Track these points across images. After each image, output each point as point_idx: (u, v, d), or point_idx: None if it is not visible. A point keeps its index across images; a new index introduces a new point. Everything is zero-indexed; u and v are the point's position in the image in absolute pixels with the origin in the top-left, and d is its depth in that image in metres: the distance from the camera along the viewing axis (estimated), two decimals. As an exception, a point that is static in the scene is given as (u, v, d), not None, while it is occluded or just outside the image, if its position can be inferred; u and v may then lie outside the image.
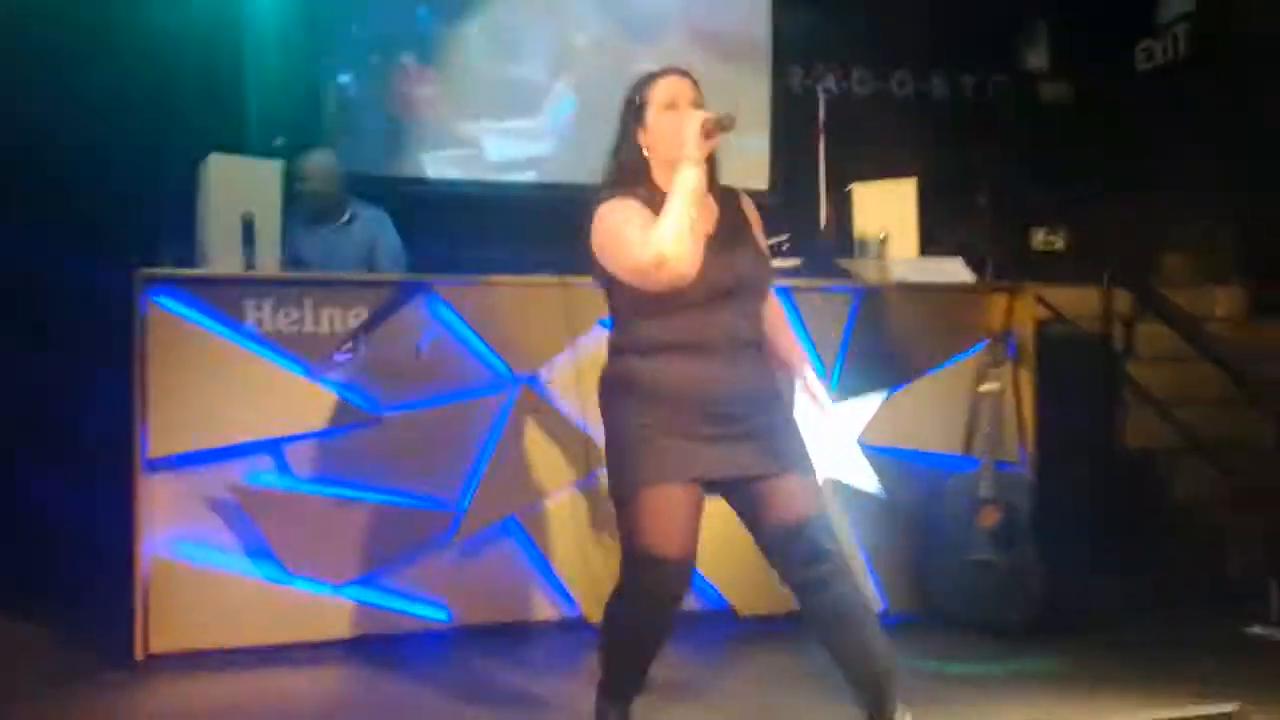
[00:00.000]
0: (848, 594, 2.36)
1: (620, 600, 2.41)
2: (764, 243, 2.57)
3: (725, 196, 2.51)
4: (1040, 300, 4.50)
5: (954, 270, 4.11)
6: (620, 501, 2.36)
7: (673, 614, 2.38)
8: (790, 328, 2.70)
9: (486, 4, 5.71)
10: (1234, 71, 5.44)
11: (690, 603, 3.35)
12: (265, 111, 5.24)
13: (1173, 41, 5.85)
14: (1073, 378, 4.46)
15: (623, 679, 2.51)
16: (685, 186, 2.30)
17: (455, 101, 5.71)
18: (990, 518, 3.67)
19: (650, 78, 2.48)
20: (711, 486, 2.38)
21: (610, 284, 2.43)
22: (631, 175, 2.43)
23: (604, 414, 2.46)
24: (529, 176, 5.78)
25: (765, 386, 2.46)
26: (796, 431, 2.49)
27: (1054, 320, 4.84)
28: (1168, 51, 5.88)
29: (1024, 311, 3.99)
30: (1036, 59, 6.28)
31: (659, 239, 2.26)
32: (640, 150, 2.44)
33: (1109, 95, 6.17)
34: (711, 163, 2.42)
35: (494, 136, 5.75)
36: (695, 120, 2.34)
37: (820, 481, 2.50)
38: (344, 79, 5.60)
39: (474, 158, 5.73)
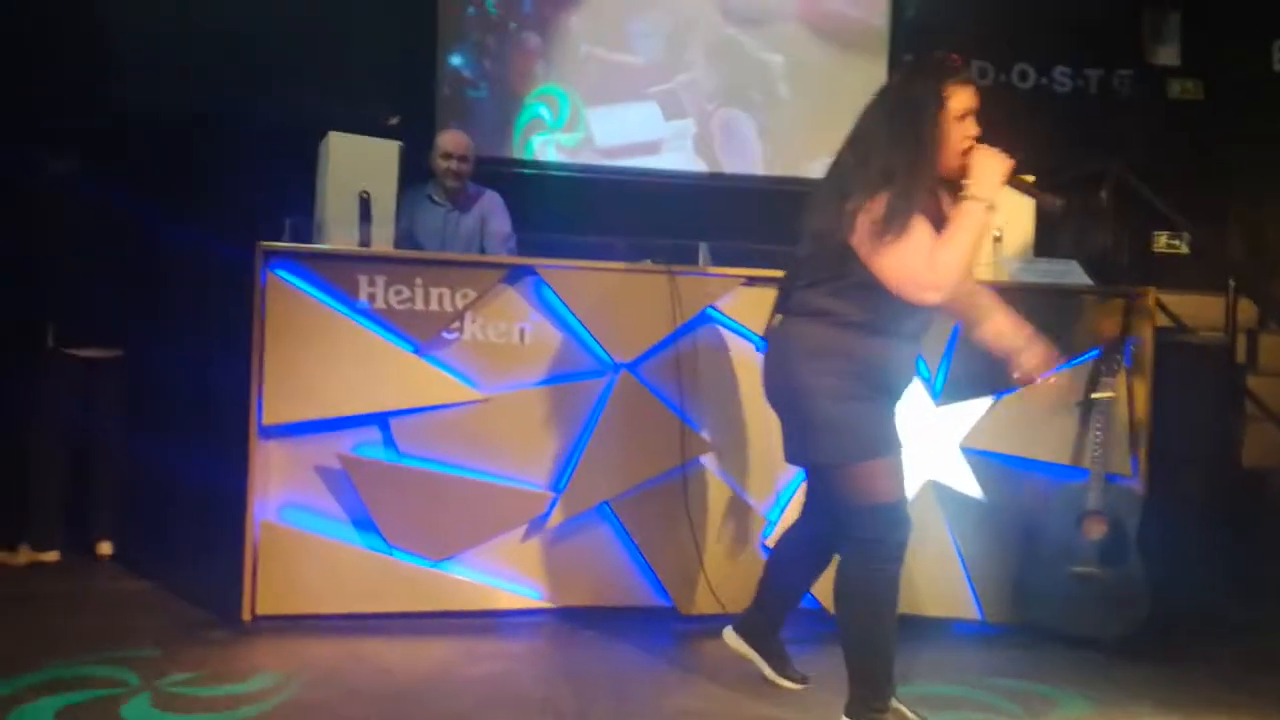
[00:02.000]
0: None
1: (861, 565, 2.55)
2: None
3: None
4: (1160, 306, 4.34)
5: (1070, 272, 3.98)
6: (849, 464, 2.52)
7: (902, 559, 2.58)
8: (1000, 307, 2.85)
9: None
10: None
11: (635, 599, 3.51)
12: (380, 90, 5.35)
13: (1314, 40, 5.56)
14: (1190, 388, 4.30)
15: (888, 654, 2.60)
16: (976, 230, 2.43)
17: (566, 85, 5.74)
18: (1096, 530, 3.56)
19: (952, 75, 2.48)
20: None
21: (847, 257, 2.48)
22: (917, 178, 2.42)
23: (799, 378, 2.55)
24: (638, 163, 5.79)
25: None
26: None
27: (1173, 328, 4.68)
28: (1307, 51, 5.59)
29: (1142, 318, 3.84)
30: (1167, 54, 6.03)
31: (947, 270, 2.41)
32: (933, 154, 2.45)
33: (1241, 94, 5.90)
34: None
35: (604, 121, 5.77)
36: (1003, 167, 2.45)
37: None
38: (457, 60, 5.68)
39: (584, 142, 5.76)
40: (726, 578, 3.55)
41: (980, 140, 2.50)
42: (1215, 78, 6.01)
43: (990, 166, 2.44)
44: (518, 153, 5.70)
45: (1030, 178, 2.50)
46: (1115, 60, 6.04)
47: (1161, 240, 5.75)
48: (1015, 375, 2.74)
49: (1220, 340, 4.56)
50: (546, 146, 5.74)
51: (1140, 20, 6.05)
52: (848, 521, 2.57)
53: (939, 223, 2.46)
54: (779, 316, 2.67)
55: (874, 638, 2.60)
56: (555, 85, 5.74)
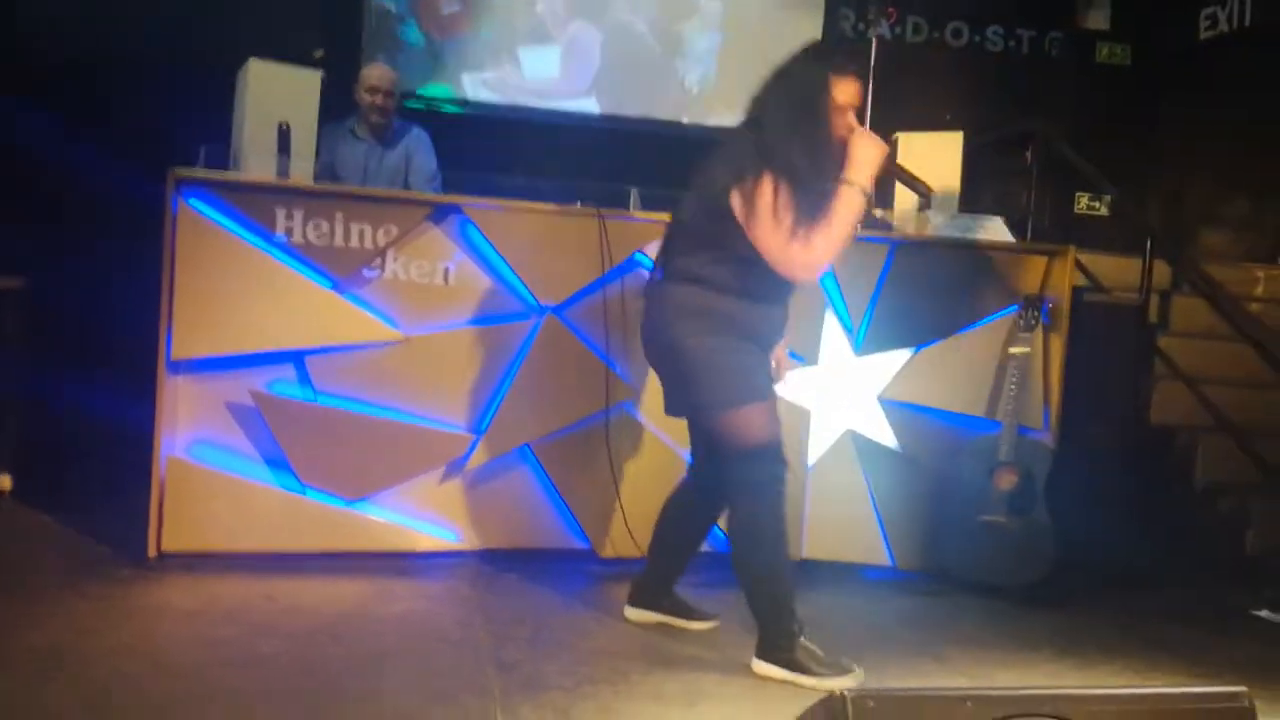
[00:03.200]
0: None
1: (748, 505, 2.68)
2: None
3: None
4: (1078, 265, 4.42)
5: (994, 229, 4.02)
6: (724, 410, 2.67)
7: (785, 489, 2.72)
8: None
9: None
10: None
11: (554, 541, 3.57)
12: (305, 21, 5.19)
13: (1239, 10, 5.67)
14: (1104, 347, 4.40)
15: (786, 586, 2.71)
16: (852, 214, 2.59)
17: (495, 22, 5.61)
18: (1007, 481, 3.65)
19: (841, 68, 2.64)
20: None
21: (728, 224, 2.62)
22: (804, 155, 2.56)
23: (686, 338, 2.68)
24: (569, 105, 5.71)
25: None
26: None
27: (1090, 287, 4.77)
28: (1233, 21, 5.70)
29: (1061, 276, 3.91)
30: (1097, 18, 6.10)
31: (818, 251, 2.57)
32: (823, 133, 2.60)
33: (1168, 62, 6.01)
34: None
35: (535, 61, 5.67)
36: (879, 154, 2.61)
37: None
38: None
39: (513, 81, 5.65)
40: (645, 521, 3.52)
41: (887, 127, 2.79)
42: (1143, 44, 6.11)
43: (867, 153, 2.60)
44: (445, 90, 5.58)
45: (902, 164, 2.71)
46: (1047, 22, 6.10)
47: (1083, 201, 5.86)
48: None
49: (1135, 300, 4.66)
50: (475, 85, 5.62)
51: (1074, -18, 6.12)
52: (732, 464, 2.70)
53: (820, 205, 2.59)
54: (658, 278, 2.80)
55: (770, 573, 2.71)
56: (481, 22, 5.62)
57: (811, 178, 2.57)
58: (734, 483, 2.72)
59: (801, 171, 2.56)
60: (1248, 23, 5.59)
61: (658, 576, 3.06)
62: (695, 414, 2.82)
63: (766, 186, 2.56)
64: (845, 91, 2.63)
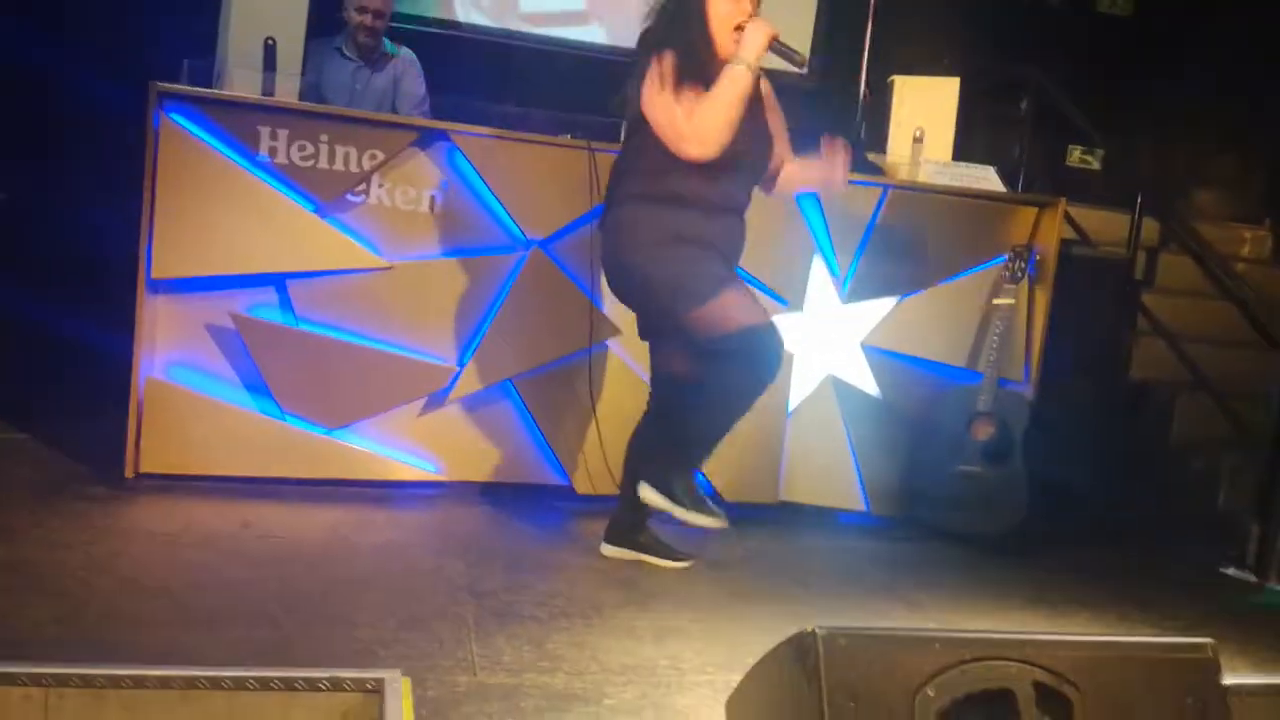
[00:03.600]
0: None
1: (738, 370, 2.70)
2: (776, 124, 2.92)
3: None
4: (1068, 219, 4.40)
5: (986, 178, 4.00)
6: (688, 312, 2.70)
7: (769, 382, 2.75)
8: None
9: None
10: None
11: (533, 476, 3.58)
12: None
13: (1248, -35, 5.58)
14: (1088, 301, 4.41)
15: (703, 453, 2.84)
16: (737, 87, 2.66)
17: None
18: (984, 431, 3.67)
19: None
20: None
21: (644, 132, 2.72)
22: (683, 40, 2.71)
23: (635, 256, 2.76)
24: (563, 33, 5.59)
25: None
26: None
27: (1079, 241, 4.76)
28: (1238, -25, 5.62)
29: (1050, 228, 3.89)
30: (1101, -34, 6.01)
31: (702, 123, 2.64)
32: (706, 29, 2.72)
33: (1170, 15, 5.93)
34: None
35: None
36: (765, 32, 2.69)
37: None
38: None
39: (507, 6, 5.52)
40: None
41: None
42: (1146, -5, 6.03)
43: (754, 33, 2.69)
44: (437, 12, 5.45)
45: (783, 41, 2.74)
46: (1051, -33, 6.01)
47: (1075, 154, 5.82)
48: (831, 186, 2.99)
49: (1122, 256, 4.66)
50: (467, 7, 5.50)
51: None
52: (723, 351, 2.72)
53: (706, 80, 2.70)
54: (603, 209, 2.89)
55: (709, 430, 2.78)
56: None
57: (689, 55, 2.69)
58: (729, 356, 2.71)
59: (677, 44, 2.69)
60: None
61: (630, 511, 3.07)
62: (665, 324, 2.84)
63: (651, 68, 2.68)
64: None
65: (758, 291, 3.14)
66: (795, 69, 2.97)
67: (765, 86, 2.89)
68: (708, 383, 2.78)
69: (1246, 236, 5.43)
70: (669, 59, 2.69)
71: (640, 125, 2.75)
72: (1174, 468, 4.41)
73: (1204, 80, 5.66)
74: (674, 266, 2.73)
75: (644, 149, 2.75)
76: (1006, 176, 4.16)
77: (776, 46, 2.73)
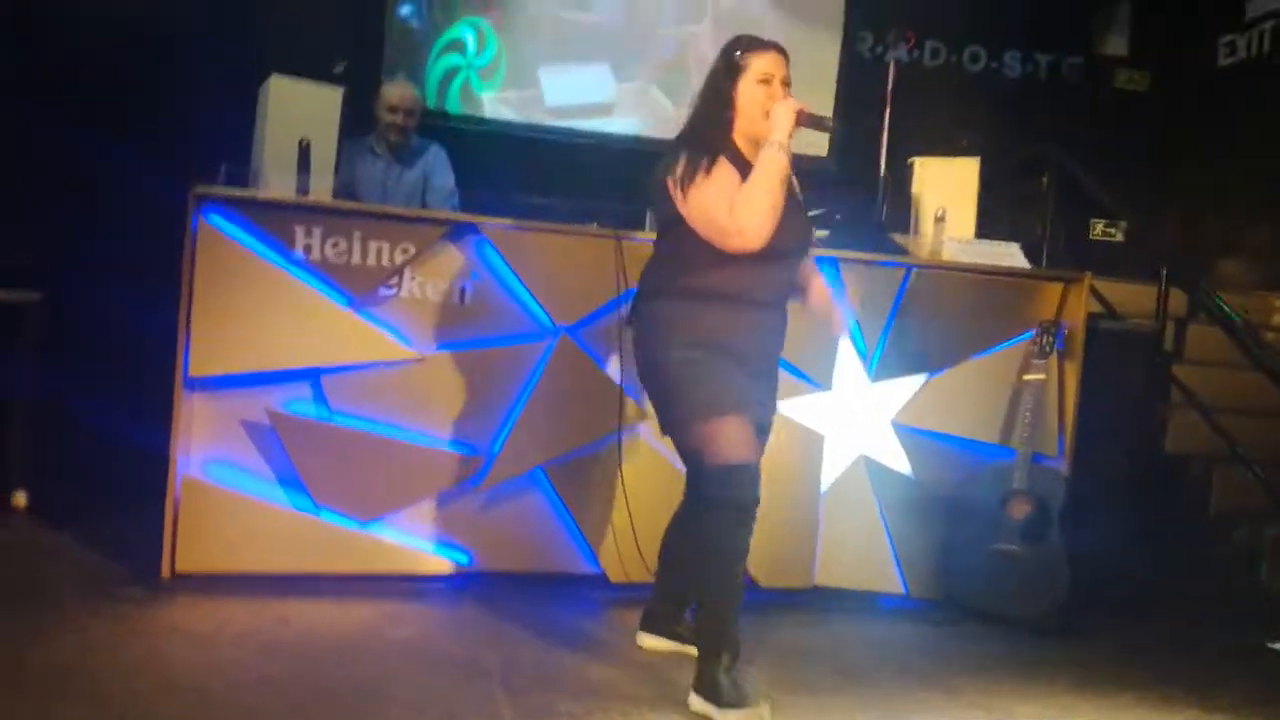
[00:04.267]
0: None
1: (710, 523, 2.61)
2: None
3: None
4: (1094, 292, 4.40)
5: (1009, 255, 4.02)
6: (694, 423, 2.62)
7: (753, 520, 2.62)
8: (819, 273, 2.99)
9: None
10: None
11: (566, 566, 3.55)
12: (326, 37, 5.21)
13: (1258, 39, 5.65)
14: (1119, 375, 4.38)
15: (728, 620, 2.63)
16: (775, 169, 2.59)
17: (517, 42, 5.64)
18: (1021, 510, 3.63)
19: (751, 46, 2.72)
20: None
21: (678, 227, 2.67)
22: (717, 134, 2.69)
23: (658, 353, 2.68)
24: (587, 125, 5.72)
25: (783, 341, 2.82)
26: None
27: (1106, 314, 4.75)
28: (1252, 48, 5.69)
29: (1076, 303, 3.90)
30: (1116, 43, 6.10)
31: (746, 213, 2.56)
32: (730, 114, 2.69)
33: (1186, 88, 5.99)
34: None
35: (555, 79, 5.69)
36: (792, 109, 2.64)
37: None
38: (406, 10, 5.55)
39: (533, 101, 5.67)
40: (657, 546, 3.54)
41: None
42: (1161, 70, 6.10)
43: (782, 111, 2.64)
44: (466, 109, 5.59)
45: (814, 112, 2.73)
46: (1065, 47, 6.10)
47: (1098, 227, 5.84)
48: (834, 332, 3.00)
49: (1150, 328, 4.64)
50: (495, 103, 5.64)
51: (1091, 9, 6.11)
52: (698, 479, 2.68)
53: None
54: (634, 300, 2.82)
55: (718, 597, 2.64)
56: (507, 40, 5.63)
57: (716, 146, 2.66)
58: (700, 499, 2.67)
59: (707, 140, 2.66)
60: (1266, 51, 5.58)
61: (666, 601, 3.04)
62: (667, 428, 2.76)
63: (685, 164, 2.63)
64: (759, 63, 2.69)
65: (789, 375, 3.13)
66: (826, 134, 3.02)
67: (792, 180, 2.81)
68: (696, 530, 2.70)
69: (1277, 305, 5.40)
70: (701, 161, 2.63)
71: (676, 220, 2.68)
72: (1214, 541, 4.33)
73: (1223, 150, 5.69)
74: (688, 370, 2.63)
75: (681, 241, 2.67)
76: (1030, 252, 4.17)
77: (806, 119, 2.69)
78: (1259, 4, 5.66)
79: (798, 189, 2.82)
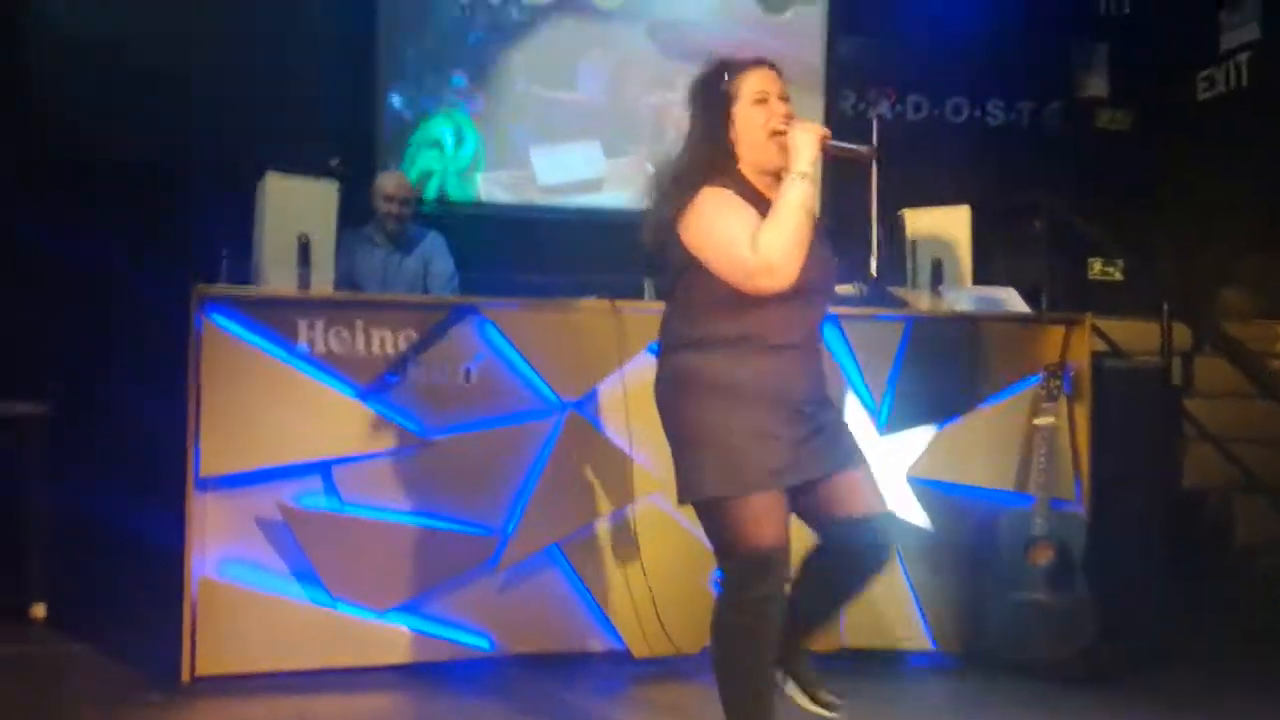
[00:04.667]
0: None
1: (726, 611, 2.35)
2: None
3: None
4: (1097, 332, 4.41)
5: (1008, 300, 4.04)
6: (712, 505, 2.33)
7: (780, 608, 2.35)
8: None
9: (536, 29, 5.74)
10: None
11: (588, 643, 3.44)
12: (320, 130, 5.31)
13: (1235, 71, 5.74)
14: (1130, 412, 4.35)
15: (759, 711, 2.35)
16: (797, 202, 2.31)
17: (506, 124, 5.73)
18: (1043, 556, 3.59)
19: (737, 68, 2.43)
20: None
21: (689, 273, 2.38)
22: (721, 167, 2.40)
23: (677, 413, 2.39)
24: (581, 201, 5.79)
25: (824, 383, 2.51)
26: (847, 424, 2.56)
27: (1111, 353, 4.75)
28: (1230, 81, 5.77)
29: (1080, 344, 3.90)
30: (1096, 85, 6.19)
31: (771, 249, 2.27)
32: (729, 144, 2.41)
33: (1167, 123, 6.07)
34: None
35: (546, 159, 5.77)
36: (815, 136, 2.36)
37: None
38: (398, 100, 5.65)
39: (526, 181, 5.75)
40: (679, 618, 3.51)
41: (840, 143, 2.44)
42: (1142, 109, 6.18)
43: (802, 139, 2.36)
44: (460, 194, 5.67)
45: (843, 143, 2.45)
46: (1046, 93, 6.19)
47: (1096, 267, 5.88)
48: None
49: (1156, 364, 4.64)
50: (490, 186, 5.72)
51: (1069, 53, 6.21)
52: (721, 562, 2.37)
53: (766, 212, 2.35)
54: (655, 358, 2.52)
55: (736, 692, 2.36)
56: (496, 123, 5.73)
57: (725, 175, 2.38)
58: (720, 583, 2.38)
59: (714, 172, 2.38)
60: (1244, 83, 5.66)
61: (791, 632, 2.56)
62: (684, 494, 2.39)
63: (700, 201, 2.35)
64: (751, 81, 2.42)
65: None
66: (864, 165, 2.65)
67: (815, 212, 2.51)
68: (715, 619, 2.38)
69: (1277, 332, 5.40)
70: (711, 197, 2.35)
71: (686, 266, 2.39)
72: (1241, 572, 4.28)
73: (1209, 183, 5.75)
74: (708, 434, 2.33)
75: (692, 287, 2.39)
76: (1029, 295, 4.19)
77: (833, 149, 2.41)
78: (1233, 35, 5.76)
79: (820, 222, 2.51)
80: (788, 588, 2.45)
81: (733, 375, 2.34)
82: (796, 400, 2.38)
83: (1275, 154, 5.50)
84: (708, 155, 2.41)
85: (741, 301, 2.33)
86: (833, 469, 2.40)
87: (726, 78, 2.43)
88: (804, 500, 2.41)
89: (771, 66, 2.45)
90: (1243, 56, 5.70)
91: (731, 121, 2.41)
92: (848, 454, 2.44)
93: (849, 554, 2.45)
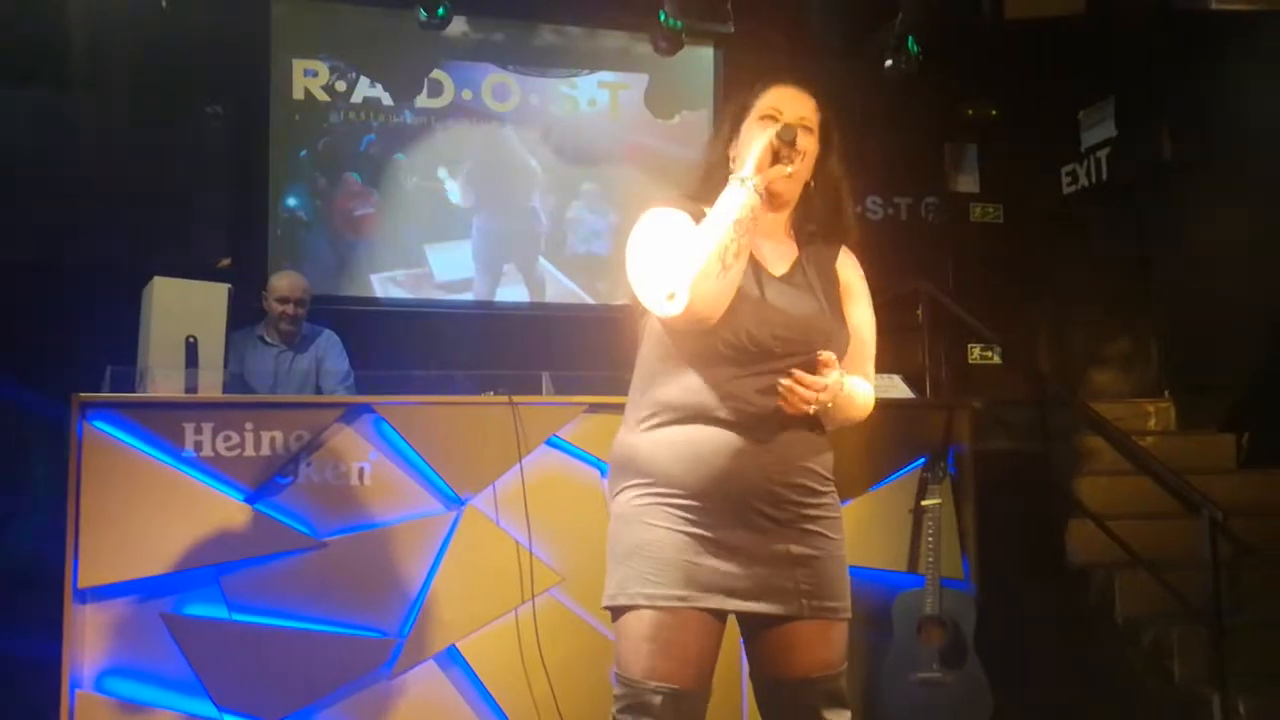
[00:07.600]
0: None
1: None
2: (855, 311, 2.18)
3: (820, 245, 2.14)
4: (979, 415, 4.58)
5: (893, 386, 4.18)
6: (614, 614, 1.96)
7: None
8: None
9: (430, 131, 5.84)
10: (1159, 194, 5.71)
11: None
12: (211, 231, 5.27)
13: (1095, 166, 6.13)
14: (1014, 492, 4.52)
15: None
16: (728, 212, 1.90)
17: (399, 223, 5.77)
18: (935, 636, 3.67)
19: (766, 83, 2.13)
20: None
21: (644, 332, 2.05)
22: (709, 186, 2.06)
23: (609, 500, 2.05)
24: (477, 296, 5.83)
25: (809, 484, 2.01)
26: (841, 555, 2.07)
27: (993, 435, 4.93)
28: (1091, 175, 6.16)
29: (962, 427, 4.05)
30: (967, 181, 6.54)
31: (679, 267, 1.86)
32: (725, 160, 2.09)
33: (1036, 215, 6.43)
34: (829, 197, 2.10)
35: (440, 256, 5.82)
36: (765, 137, 1.98)
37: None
38: (291, 200, 5.66)
39: (423, 278, 5.78)
40: (583, 713, 3.47)
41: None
42: (1012, 202, 6.54)
43: (752, 141, 2.01)
44: (356, 291, 5.66)
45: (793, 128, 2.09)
46: (921, 189, 6.51)
47: (975, 352, 6.13)
48: None
49: (1036, 445, 4.83)
50: (385, 284, 5.73)
51: (942, 152, 6.56)
52: (616, 682, 1.98)
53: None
54: None
55: None
56: (389, 223, 5.77)
57: (707, 196, 2.05)
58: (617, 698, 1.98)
59: (698, 192, 2.09)
60: (1104, 177, 6.04)
61: None
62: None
63: (642, 220, 2.04)
64: (768, 97, 2.10)
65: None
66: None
67: (852, 270, 2.17)
68: None
69: (1150, 410, 5.67)
70: (655, 218, 2.02)
71: (640, 313, 2.05)
72: (1126, 645, 4.41)
73: (1077, 271, 6.07)
74: (617, 529, 1.99)
75: (643, 342, 2.06)
76: (913, 381, 4.34)
77: (783, 147, 2.00)
78: (1092, 133, 6.16)
79: (842, 282, 2.15)
80: None
81: (651, 456, 1.94)
82: (739, 492, 1.91)
83: (1133, 241, 5.87)
84: (704, 169, 2.14)
85: (681, 366, 1.94)
86: (788, 611, 1.95)
87: (755, 88, 2.13)
88: (745, 630, 2.02)
89: (803, 88, 2.11)
90: (1102, 153, 6.10)
91: (737, 134, 2.10)
92: (816, 596, 1.98)
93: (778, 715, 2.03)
